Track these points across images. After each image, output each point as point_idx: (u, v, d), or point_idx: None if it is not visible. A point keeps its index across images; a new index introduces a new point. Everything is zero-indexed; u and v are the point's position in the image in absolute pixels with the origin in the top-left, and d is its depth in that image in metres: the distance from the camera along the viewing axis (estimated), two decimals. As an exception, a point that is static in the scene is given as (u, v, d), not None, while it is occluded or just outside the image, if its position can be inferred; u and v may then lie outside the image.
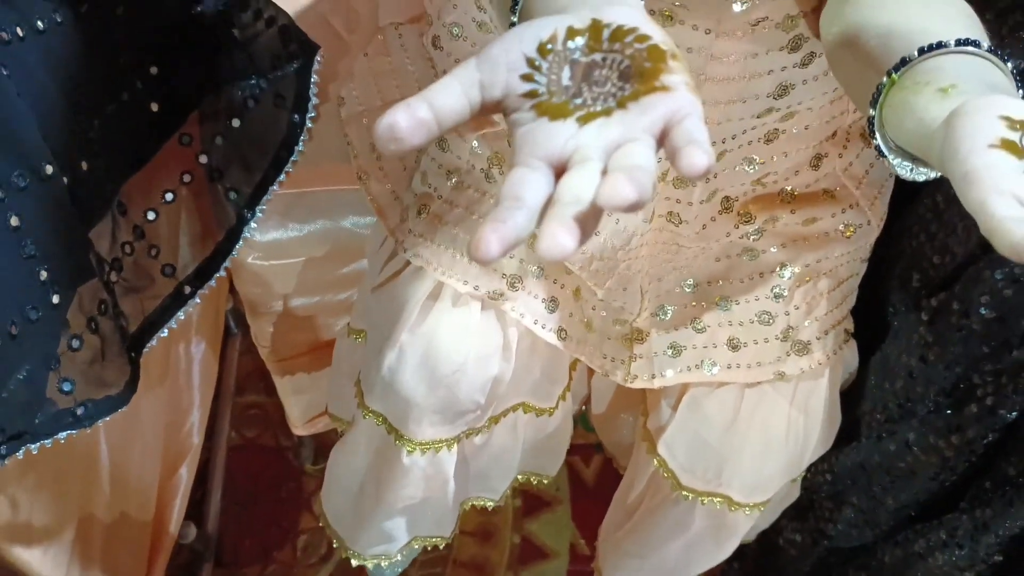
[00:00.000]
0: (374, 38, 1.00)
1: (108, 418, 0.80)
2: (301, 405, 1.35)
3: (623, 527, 1.14)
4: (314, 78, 0.86)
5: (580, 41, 0.42)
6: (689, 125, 0.39)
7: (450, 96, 0.40)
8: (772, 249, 0.89)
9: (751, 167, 0.84)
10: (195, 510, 1.37)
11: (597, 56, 0.42)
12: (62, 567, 0.98)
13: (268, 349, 1.27)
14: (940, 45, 0.51)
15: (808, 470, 1.02)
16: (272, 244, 1.14)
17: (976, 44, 0.51)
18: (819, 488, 1.06)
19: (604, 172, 0.38)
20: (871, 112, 0.53)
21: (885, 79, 0.52)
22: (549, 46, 0.42)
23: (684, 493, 0.99)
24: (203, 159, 0.86)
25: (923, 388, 0.91)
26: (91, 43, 0.74)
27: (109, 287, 0.80)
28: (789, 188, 0.87)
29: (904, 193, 0.92)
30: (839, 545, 1.09)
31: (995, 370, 0.85)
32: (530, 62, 0.42)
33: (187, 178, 0.87)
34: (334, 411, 1.20)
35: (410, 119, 0.39)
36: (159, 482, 1.21)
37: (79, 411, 0.77)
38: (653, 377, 0.93)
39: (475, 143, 0.88)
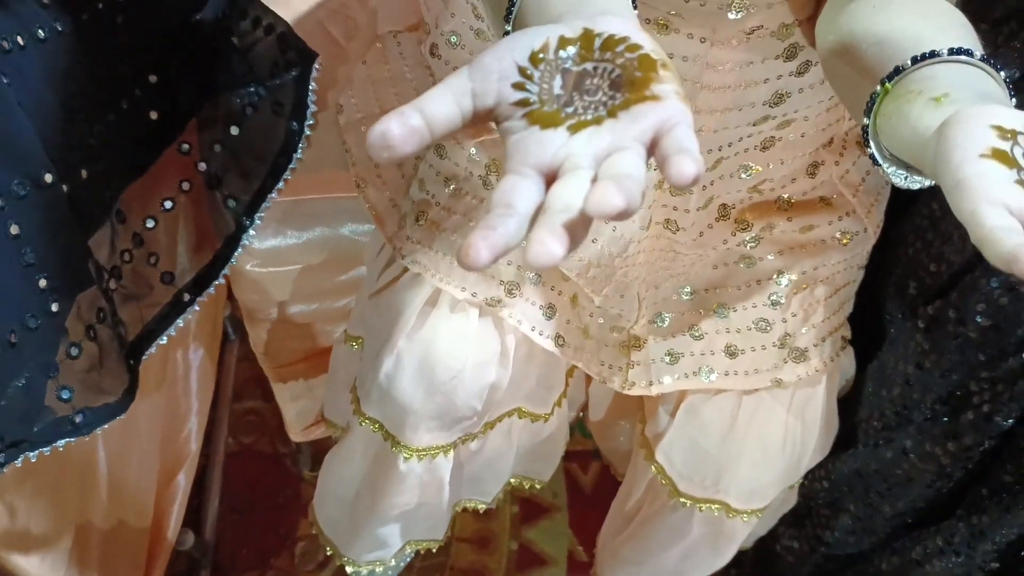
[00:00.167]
0: (372, 46, 1.01)
1: (106, 425, 0.80)
2: (299, 411, 1.35)
3: (621, 534, 1.14)
4: (312, 86, 0.86)
5: (572, 50, 0.42)
6: (679, 134, 0.39)
7: (442, 105, 0.41)
8: (769, 256, 0.89)
9: (748, 175, 0.84)
10: (193, 517, 1.36)
11: (588, 65, 0.42)
12: (60, 574, 0.98)
13: (266, 356, 1.27)
14: (933, 54, 0.51)
15: (805, 477, 1.01)
16: (270, 251, 1.13)
17: (969, 53, 0.51)
18: (816, 495, 1.06)
19: (595, 180, 0.38)
20: (865, 121, 0.53)
21: (879, 88, 0.52)
22: (541, 55, 0.42)
23: (682, 500, 0.99)
24: (202, 167, 0.86)
25: (920, 395, 0.91)
26: (91, 52, 0.75)
27: (108, 295, 0.80)
28: (786, 195, 0.88)
29: (900, 201, 0.93)
30: (836, 552, 1.09)
31: (991, 378, 0.85)
32: (522, 71, 0.42)
33: (186, 186, 0.87)
34: (330, 416, 1.20)
35: (402, 127, 0.39)
36: (157, 489, 1.21)
37: (77, 419, 0.77)
38: (650, 384, 0.93)
39: (473, 150, 0.88)
